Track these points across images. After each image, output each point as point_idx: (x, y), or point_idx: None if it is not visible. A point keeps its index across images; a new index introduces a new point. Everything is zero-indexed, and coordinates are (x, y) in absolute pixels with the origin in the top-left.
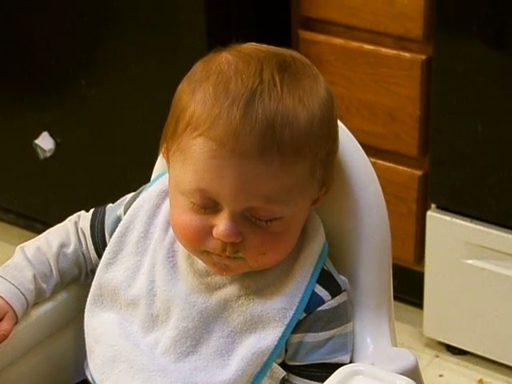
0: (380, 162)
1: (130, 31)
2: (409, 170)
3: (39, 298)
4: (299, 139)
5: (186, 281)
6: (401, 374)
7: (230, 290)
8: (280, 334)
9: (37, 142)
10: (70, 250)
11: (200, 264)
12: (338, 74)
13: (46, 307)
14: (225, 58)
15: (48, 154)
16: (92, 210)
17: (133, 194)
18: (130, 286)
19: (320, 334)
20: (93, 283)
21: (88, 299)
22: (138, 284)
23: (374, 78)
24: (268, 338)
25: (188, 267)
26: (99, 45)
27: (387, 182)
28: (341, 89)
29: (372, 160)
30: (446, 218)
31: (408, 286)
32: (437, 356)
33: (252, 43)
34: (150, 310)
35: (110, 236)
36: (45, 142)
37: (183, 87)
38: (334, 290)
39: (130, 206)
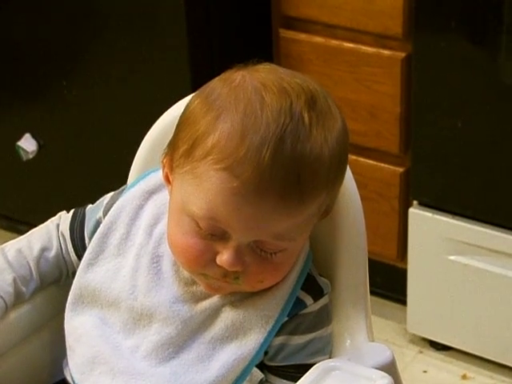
0: (362, 159)
1: (111, 31)
2: (390, 167)
3: (18, 300)
4: (320, 182)
5: (171, 289)
6: (377, 368)
7: (215, 299)
8: (262, 341)
9: (19, 143)
10: (51, 254)
11: (186, 272)
12: (318, 73)
13: (24, 308)
14: (251, 86)
15: (31, 156)
16: (71, 212)
17: (112, 194)
18: (109, 287)
19: (301, 336)
20: (73, 283)
21: (68, 299)
22: (118, 286)
23: (354, 76)
24: (249, 344)
25: (173, 275)
26: (80, 45)
27: (369, 179)
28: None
29: (354, 158)
30: (428, 214)
31: (391, 283)
32: (420, 352)
33: (269, 64)
34: (131, 313)
35: (90, 239)
36: (27, 144)
37: (202, 107)
38: (317, 294)
39: (110, 207)
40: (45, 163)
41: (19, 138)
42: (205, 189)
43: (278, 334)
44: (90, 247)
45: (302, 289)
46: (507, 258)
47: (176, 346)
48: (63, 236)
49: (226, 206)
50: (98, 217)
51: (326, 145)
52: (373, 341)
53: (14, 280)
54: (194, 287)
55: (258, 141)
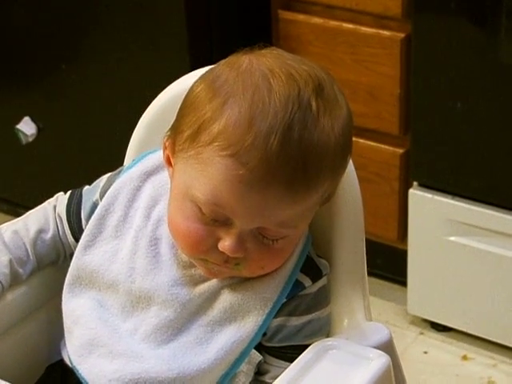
0: (362, 140)
1: (110, 15)
2: (390, 148)
3: (15, 281)
4: (325, 170)
5: (169, 271)
6: (375, 347)
7: (214, 282)
8: (260, 323)
9: (18, 127)
10: (48, 235)
11: (184, 255)
12: (318, 54)
13: (21, 289)
14: (259, 72)
15: (30, 139)
16: (68, 193)
17: (108, 175)
18: (107, 269)
19: (300, 317)
20: (71, 265)
21: (66, 280)
22: (115, 269)
23: (354, 57)
24: (248, 326)
25: (172, 257)
26: (79, 29)
27: (369, 160)
28: None
29: (354, 139)
30: (428, 195)
31: (392, 265)
32: (421, 333)
33: (275, 49)
34: (129, 296)
35: (87, 221)
36: (26, 127)
37: (207, 92)
38: (316, 275)
39: (107, 188)
40: (44, 146)
41: (18, 121)
42: (209, 174)
43: (276, 315)
44: (88, 229)
45: (301, 271)
46: (507, 239)
47: (175, 328)
48: (60, 217)
49: (231, 192)
50: (94, 199)
51: (333, 133)
52: (371, 320)
53: (10, 261)
54: (193, 270)
55: (265, 128)
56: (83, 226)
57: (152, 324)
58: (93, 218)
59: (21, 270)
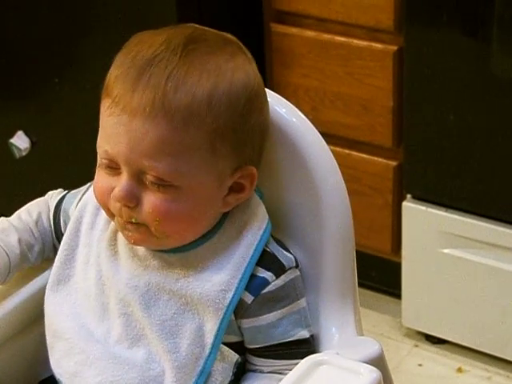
0: (355, 153)
1: (102, 29)
2: (384, 160)
3: (23, 263)
4: (188, 107)
5: (126, 266)
6: (366, 362)
7: (170, 272)
8: (221, 317)
9: (12, 141)
10: (45, 217)
11: (140, 249)
12: (311, 67)
13: (13, 304)
14: (147, 31)
15: (24, 153)
16: (60, 196)
17: (89, 184)
18: (84, 277)
19: (271, 314)
20: (50, 278)
21: (46, 291)
22: (89, 275)
23: (346, 70)
24: (210, 320)
25: (128, 252)
26: (72, 42)
27: (363, 173)
28: (314, 81)
29: (347, 152)
30: (422, 207)
31: (386, 277)
32: (416, 345)
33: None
34: (101, 299)
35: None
36: (20, 141)
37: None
38: (278, 269)
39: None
40: (38, 160)
41: (12, 135)
42: (100, 121)
43: (247, 315)
44: (66, 243)
45: (262, 266)
46: (501, 251)
47: (140, 323)
48: (49, 208)
49: (107, 130)
50: (70, 213)
51: (200, 77)
52: (362, 335)
53: (19, 240)
54: (147, 262)
55: (129, 65)
56: (62, 229)
57: (120, 324)
58: (67, 233)
59: (28, 254)
